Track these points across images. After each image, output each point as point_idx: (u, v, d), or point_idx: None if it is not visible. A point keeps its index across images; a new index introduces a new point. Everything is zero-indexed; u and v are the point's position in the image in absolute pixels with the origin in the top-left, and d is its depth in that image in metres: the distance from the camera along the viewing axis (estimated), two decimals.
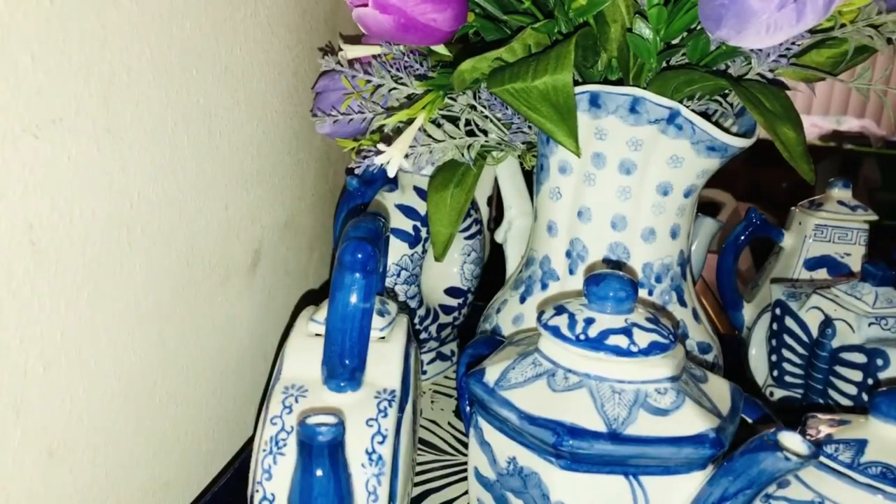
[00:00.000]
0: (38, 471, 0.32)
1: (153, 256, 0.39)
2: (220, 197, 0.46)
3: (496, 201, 0.72)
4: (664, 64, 0.44)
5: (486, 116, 0.49)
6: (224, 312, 0.48)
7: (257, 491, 0.38)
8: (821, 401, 0.53)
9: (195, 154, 0.43)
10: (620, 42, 0.42)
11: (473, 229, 0.64)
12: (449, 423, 0.58)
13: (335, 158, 0.68)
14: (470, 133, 0.50)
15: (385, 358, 0.42)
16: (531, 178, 0.53)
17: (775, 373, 0.58)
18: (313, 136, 0.61)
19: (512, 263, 0.57)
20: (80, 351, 0.34)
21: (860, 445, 0.34)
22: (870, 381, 0.49)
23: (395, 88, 0.49)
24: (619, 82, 0.45)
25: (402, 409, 0.40)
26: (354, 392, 0.39)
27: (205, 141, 0.43)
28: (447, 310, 0.64)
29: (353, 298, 0.38)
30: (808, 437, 0.34)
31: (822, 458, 0.34)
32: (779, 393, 0.58)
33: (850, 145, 2.72)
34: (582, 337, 0.35)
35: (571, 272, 0.48)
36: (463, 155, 0.50)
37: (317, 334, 0.43)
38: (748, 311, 0.67)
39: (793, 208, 0.69)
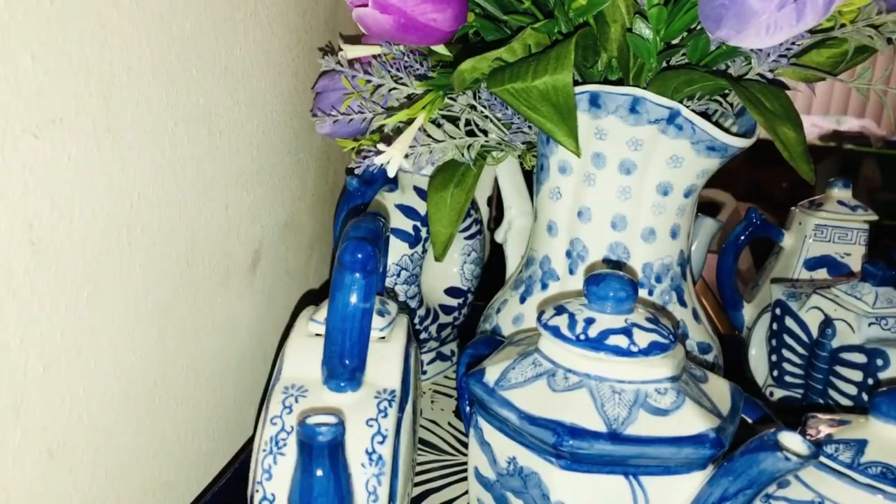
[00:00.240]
0: (38, 471, 0.32)
1: (153, 256, 0.39)
2: (220, 197, 0.46)
3: (496, 201, 0.72)
4: (664, 64, 0.44)
5: (486, 116, 0.49)
6: (224, 312, 0.48)
7: (257, 491, 0.38)
8: (821, 401, 0.53)
9: (195, 154, 0.43)
10: (620, 42, 0.42)
11: (473, 229, 0.64)
12: (449, 423, 0.58)
13: (335, 158, 0.68)
14: (470, 133, 0.50)
15: (385, 358, 0.42)
16: (531, 178, 0.53)
17: (775, 373, 0.58)
18: (313, 136, 0.61)
19: (512, 263, 0.57)
20: (80, 351, 0.34)
21: (860, 445, 0.34)
22: (870, 381, 0.49)
23: (395, 88, 0.49)
24: (619, 82, 0.45)
25: (402, 409, 0.40)
26: (354, 392, 0.39)
27: (205, 141, 0.43)
28: (447, 310, 0.64)
29: (353, 298, 0.38)
30: (808, 437, 0.34)
31: (822, 458, 0.34)
32: (779, 393, 0.58)
33: (850, 145, 2.72)
34: (582, 337, 0.35)
35: (571, 272, 0.48)
36: (463, 155, 0.50)
37: (317, 334, 0.43)
38: (748, 311, 0.67)
39: (793, 208, 0.69)
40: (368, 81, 0.49)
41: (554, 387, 0.35)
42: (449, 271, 0.65)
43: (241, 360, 0.52)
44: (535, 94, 0.38)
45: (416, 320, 0.61)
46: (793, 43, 0.40)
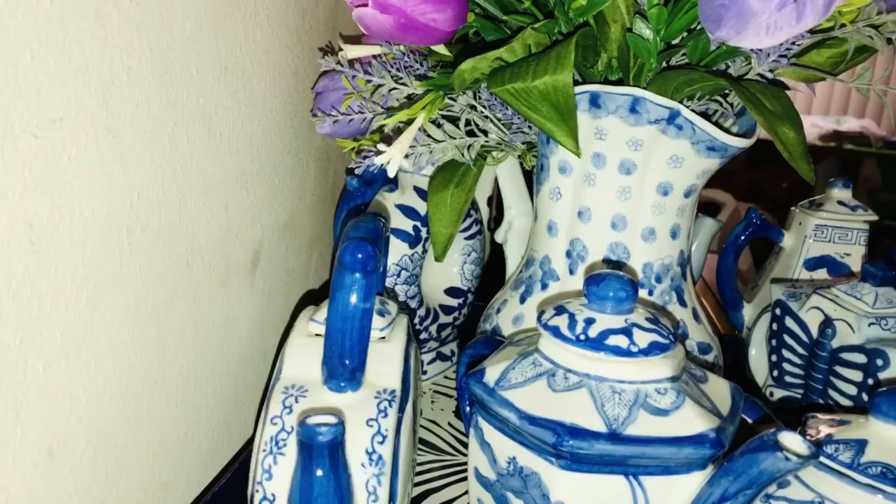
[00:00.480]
0: (38, 471, 0.32)
1: (153, 256, 0.39)
2: (220, 197, 0.46)
3: (496, 201, 0.72)
4: (664, 64, 0.44)
5: (486, 116, 0.49)
6: (224, 312, 0.48)
7: (257, 491, 0.38)
8: (821, 401, 0.53)
9: (195, 154, 0.43)
10: (620, 42, 0.42)
11: (473, 229, 0.64)
12: (449, 423, 0.58)
13: (335, 158, 0.68)
14: (470, 133, 0.50)
15: (385, 358, 0.42)
16: (531, 178, 0.53)
17: (775, 373, 0.58)
18: (313, 136, 0.61)
19: (512, 263, 0.57)
20: (80, 351, 0.34)
21: (860, 445, 0.34)
22: (870, 381, 0.49)
23: (395, 88, 0.49)
24: (619, 82, 0.45)
25: (402, 409, 0.40)
26: (354, 392, 0.39)
27: (205, 141, 0.43)
28: (447, 310, 0.64)
29: (353, 298, 0.38)
30: (808, 437, 0.34)
31: (822, 458, 0.34)
32: (779, 393, 0.58)
33: (850, 145, 2.72)
34: (582, 337, 0.35)
35: (571, 272, 0.48)
36: (463, 155, 0.50)
37: (317, 334, 0.43)
38: (748, 311, 0.67)
39: (793, 208, 0.69)
40: (368, 81, 0.49)
41: (554, 387, 0.35)
42: (449, 271, 0.65)
43: (241, 360, 0.52)
44: (535, 94, 0.38)
45: (416, 320, 0.61)
46: (793, 43, 0.40)
